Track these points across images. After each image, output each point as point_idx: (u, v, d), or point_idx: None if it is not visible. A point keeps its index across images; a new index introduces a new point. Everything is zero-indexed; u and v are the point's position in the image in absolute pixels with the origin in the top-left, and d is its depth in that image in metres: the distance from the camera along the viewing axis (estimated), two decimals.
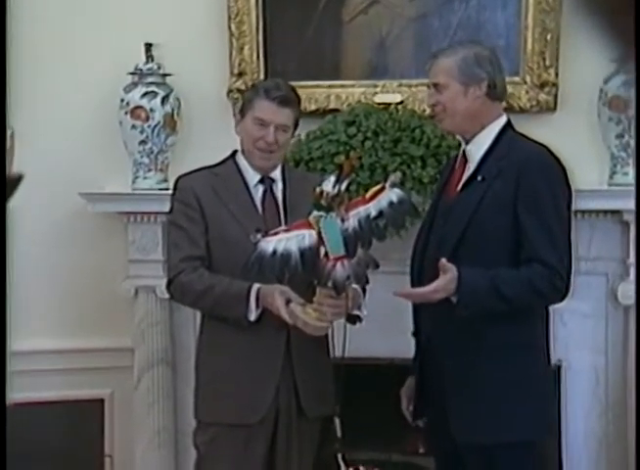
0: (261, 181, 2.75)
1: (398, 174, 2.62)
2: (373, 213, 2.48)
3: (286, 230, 2.49)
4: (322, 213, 2.45)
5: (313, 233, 2.45)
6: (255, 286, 2.57)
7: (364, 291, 2.64)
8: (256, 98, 2.70)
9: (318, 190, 2.45)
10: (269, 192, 2.75)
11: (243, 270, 2.49)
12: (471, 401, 2.50)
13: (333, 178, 2.47)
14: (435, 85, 2.60)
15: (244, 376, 2.67)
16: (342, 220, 2.45)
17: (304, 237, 2.45)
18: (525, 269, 2.46)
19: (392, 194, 2.52)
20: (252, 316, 2.58)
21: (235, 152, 2.82)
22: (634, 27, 0.99)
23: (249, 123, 2.71)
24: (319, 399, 2.72)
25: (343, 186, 2.45)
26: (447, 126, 2.65)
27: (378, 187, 2.55)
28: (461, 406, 2.52)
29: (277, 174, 2.77)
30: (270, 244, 2.44)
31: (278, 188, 2.77)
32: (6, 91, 3.30)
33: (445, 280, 2.40)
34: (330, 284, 2.46)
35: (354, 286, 2.58)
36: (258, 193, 2.75)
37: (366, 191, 3.25)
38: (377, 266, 2.53)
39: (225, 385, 2.70)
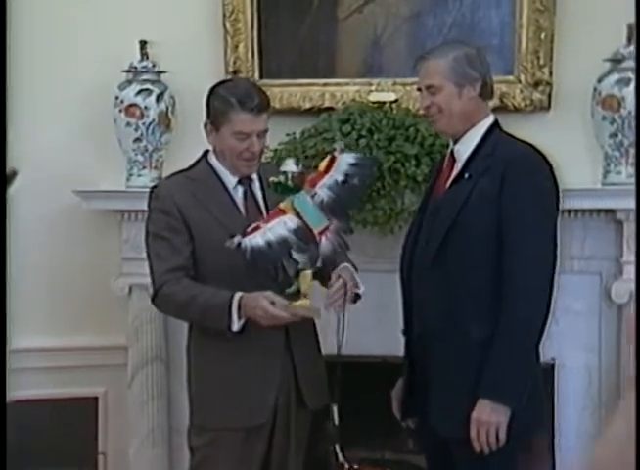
0: (240, 182, 2.71)
1: (340, 143, 2.64)
2: (340, 178, 2.51)
3: (254, 227, 2.47)
4: (293, 195, 2.47)
5: (292, 217, 2.47)
6: (237, 295, 2.53)
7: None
8: (232, 111, 2.61)
9: (276, 179, 2.47)
10: (249, 192, 2.72)
11: (247, 272, 2.48)
12: (455, 397, 2.52)
13: (291, 160, 2.52)
14: (429, 87, 2.60)
15: (246, 379, 2.64)
16: (312, 196, 2.49)
17: (286, 222, 2.47)
18: (496, 341, 2.47)
19: (347, 157, 2.56)
20: (235, 327, 2.54)
21: (206, 152, 2.76)
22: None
23: (228, 137, 2.64)
24: (318, 390, 2.75)
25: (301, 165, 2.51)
26: (442, 127, 2.66)
27: (327, 158, 2.57)
28: (445, 401, 2.54)
29: (254, 173, 2.74)
30: (257, 238, 2.44)
31: (257, 187, 2.73)
32: (6, 91, 3.32)
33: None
34: (319, 262, 2.49)
35: (348, 266, 2.62)
36: (238, 194, 2.70)
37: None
38: (351, 232, 2.59)
39: (227, 390, 2.66)
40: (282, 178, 2.48)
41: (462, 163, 2.60)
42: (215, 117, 2.66)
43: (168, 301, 2.65)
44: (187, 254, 2.64)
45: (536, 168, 2.54)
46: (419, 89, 2.67)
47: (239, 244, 2.43)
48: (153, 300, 2.71)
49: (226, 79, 2.81)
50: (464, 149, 2.60)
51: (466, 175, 2.56)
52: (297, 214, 2.47)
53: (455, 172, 2.61)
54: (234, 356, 2.64)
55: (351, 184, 2.52)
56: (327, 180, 2.51)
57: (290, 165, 2.50)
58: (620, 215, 3.40)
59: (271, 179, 2.51)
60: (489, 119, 2.63)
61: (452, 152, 2.65)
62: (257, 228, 2.46)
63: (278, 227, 2.45)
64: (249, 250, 2.43)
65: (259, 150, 2.67)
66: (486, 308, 2.48)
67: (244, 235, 2.44)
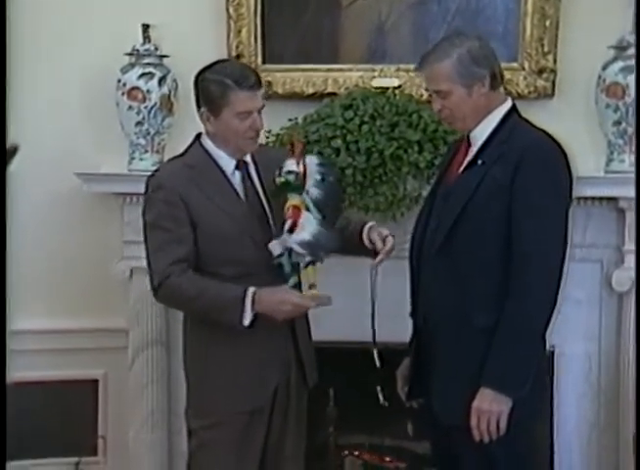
0: (237, 167, 2.68)
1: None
2: (319, 177, 2.61)
3: (292, 224, 2.55)
4: (300, 193, 2.58)
5: (307, 213, 2.57)
6: (251, 290, 2.53)
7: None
8: (230, 92, 2.57)
9: (283, 179, 2.57)
10: (247, 177, 2.70)
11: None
12: (458, 384, 2.52)
13: (291, 160, 2.60)
14: (438, 92, 2.57)
15: (249, 361, 2.63)
16: (307, 193, 2.60)
17: (308, 218, 2.55)
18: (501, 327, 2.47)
19: (313, 159, 2.67)
20: (247, 321, 2.54)
21: (199, 136, 2.72)
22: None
23: (229, 119, 2.60)
24: (314, 369, 2.79)
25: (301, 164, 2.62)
26: (458, 128, 2.64)
27: (299, 146, 2.66)
28: (448, 389, 2.54)
29: (248, 156, 2.72)
30: (297, 236, 2.53)
31: (252, 170, 2.71)
32: (6, 73, 3.30)
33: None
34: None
35: (371, 224, 2.72)
36: (237, 179, 2.68)
37: (364, 176, 3.28)
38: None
39: (231, 373, 2.65)
40: (291, 178, 2.57)
41: (477, 147, 2.58)
42: (213, 103, 2.61)
43: (174, 293, 2.61)
44: (190, 245, 2.61)
45: (551, 157, 2.52)
46: (426, 89, 2.65)
47: (284, 245, 2.54)
48: (155, 293, 2.65)
49: (209, 64, 2.69)
50: (480, 134, 2.58)
51: (479, 161, 2.54)
52: (308, 211, 2.57)
53: (469, 158, 2.59)
54: (235, 339, 2.63)
55: (330, 181, 2.63)
56: (310, 181, 2.60)
57: (293, 166, 2.59)
58: (623, 204, 3.40)
59: (278, 179, 2.57)
60: (506, 105, 2.61)
61: (468, 137, 2.63)
62: (295, 225, 2.55)
63: (308, 223, 2.55)
64: (297, 248, 2.52)
65: (261, 126, 2.66)
66: (493, 296, 2.47)
67: (289, 232, 2.53)
